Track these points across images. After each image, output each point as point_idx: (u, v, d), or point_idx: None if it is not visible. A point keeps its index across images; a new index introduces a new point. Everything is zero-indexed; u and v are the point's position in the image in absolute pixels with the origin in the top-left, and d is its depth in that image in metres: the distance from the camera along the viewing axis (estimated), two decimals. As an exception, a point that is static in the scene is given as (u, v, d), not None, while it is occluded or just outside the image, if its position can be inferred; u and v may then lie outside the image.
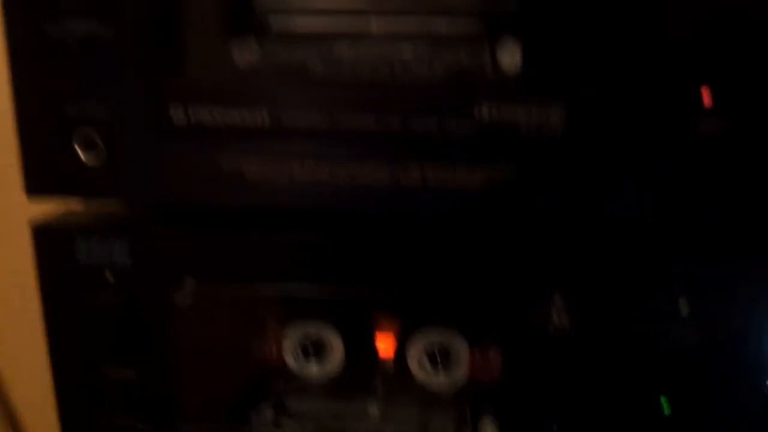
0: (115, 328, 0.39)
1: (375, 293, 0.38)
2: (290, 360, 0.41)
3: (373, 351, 0.41)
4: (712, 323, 0.34)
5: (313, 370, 0.41)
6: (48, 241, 0.38)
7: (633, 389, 0.35)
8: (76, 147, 0.35)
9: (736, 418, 0.35)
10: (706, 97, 0.31)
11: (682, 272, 0.34)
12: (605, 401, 0.36)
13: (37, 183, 0.37)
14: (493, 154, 0.33)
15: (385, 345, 0.41)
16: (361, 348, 0.41)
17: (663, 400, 0.35)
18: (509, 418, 0.39)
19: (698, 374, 0.35)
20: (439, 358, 0.40)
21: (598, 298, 0.35)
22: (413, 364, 0.40)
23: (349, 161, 0.34)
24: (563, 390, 0.37)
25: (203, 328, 0.39)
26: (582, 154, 0.32)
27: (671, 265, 0.34)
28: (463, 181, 0.33)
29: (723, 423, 0.35)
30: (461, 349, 0.39)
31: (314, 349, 0.40)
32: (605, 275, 0.34)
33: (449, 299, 0.38)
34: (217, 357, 0.40)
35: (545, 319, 0.35)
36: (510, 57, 0.32)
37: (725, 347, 0.34)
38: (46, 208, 0.40)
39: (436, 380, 0.40)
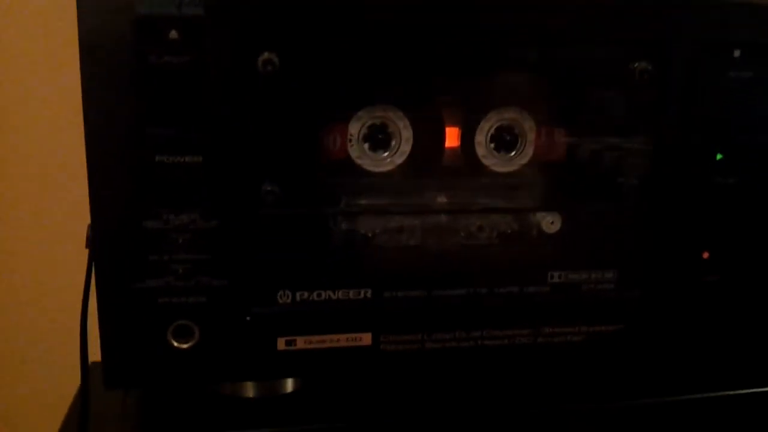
0: (178, 99, 0.33)
1: (444, 70, 0.37)
2: (356, 150, 0.38)
3: (440, 137, 0.39)
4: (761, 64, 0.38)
5: (380, 158, 0.38)
6: (97, -15, 0.31)
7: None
8: None
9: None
10: None
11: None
12: (667, 151, 0.39)
13: None
14: None
15: (451, 130, 0.40)
16: (427, 135, 0.39)
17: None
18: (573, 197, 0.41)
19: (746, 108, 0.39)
20: (507, 138, 0.40)
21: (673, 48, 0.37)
22: (480, 147, 0.39)
23: None
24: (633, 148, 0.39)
25: (280, 102, 0.34)
26: None
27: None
28: None
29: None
30: (528, 130, 0.40)
31: (382, 136, 0.38)
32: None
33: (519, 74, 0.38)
34: (286, 144, 0.35)
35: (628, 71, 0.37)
36: None
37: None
38: None
39: (502, 163, 0.40)
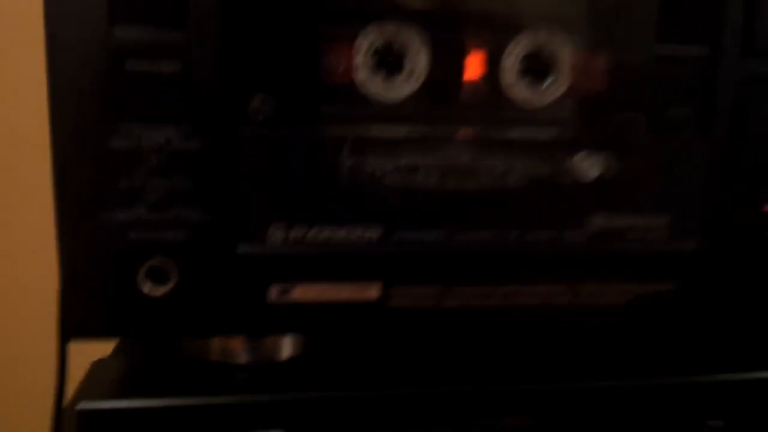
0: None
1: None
2: (362, 72, 0.32)
3: (461, 63, 0.34)
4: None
5: (390, 84, 0.33)
6: None
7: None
8: None
9: None
10: None
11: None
12: (724, 77, 0.33)
13: None
14: None
15: (475, 55, 0.34)
16: (446, 59, 0.34)
17: None
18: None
19: None
20: (538, 65, 0.34)
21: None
22: (508, 78, 0.34)
23: None
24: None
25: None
26: None
27: None
28: None
29: None
30: (564, 54, 0.34)
31: (392, 58, 0.33)
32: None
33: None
34: (282, 52, 0.30)
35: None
36: None
37: None
38: None
39: (533, 94, 0.34)
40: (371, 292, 0.32)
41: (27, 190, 0.63)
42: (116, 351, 0.38)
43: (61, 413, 0.36)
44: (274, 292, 0.31)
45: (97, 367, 0.35)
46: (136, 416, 0.30)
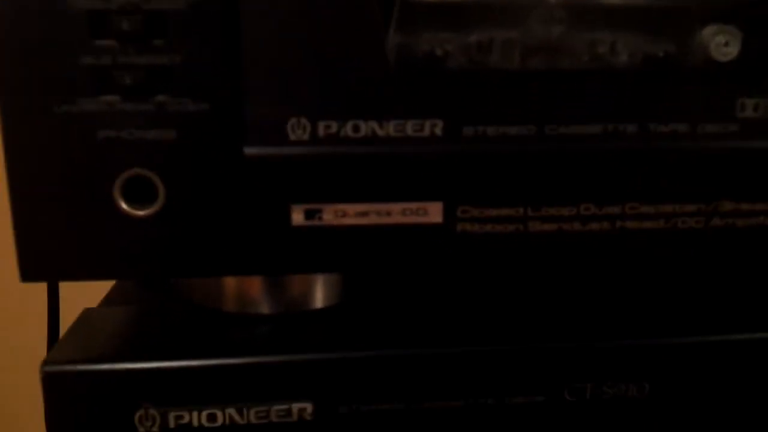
0: None
1: None
2: None
3: None
4: None
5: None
6: None
7: None
8: None
9: None
10: None
11: None
12: None
13: None
14: None
15: None
16: None
17: None
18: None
19: None
20: None
21: None
22: None
23: None
24: None
25: None
26: None
27: None
28: None
29: None
30: None
31: None
32: None
33: None
34: None
35: None
36: None
37: None
38: None
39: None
40: (430, 213, 0.23)
41: None
42: (109, 298, 0.30)
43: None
44: (298, 214, 0.23)
45: (85, 318, 0.28)
46: (117, 382, 0.23)
